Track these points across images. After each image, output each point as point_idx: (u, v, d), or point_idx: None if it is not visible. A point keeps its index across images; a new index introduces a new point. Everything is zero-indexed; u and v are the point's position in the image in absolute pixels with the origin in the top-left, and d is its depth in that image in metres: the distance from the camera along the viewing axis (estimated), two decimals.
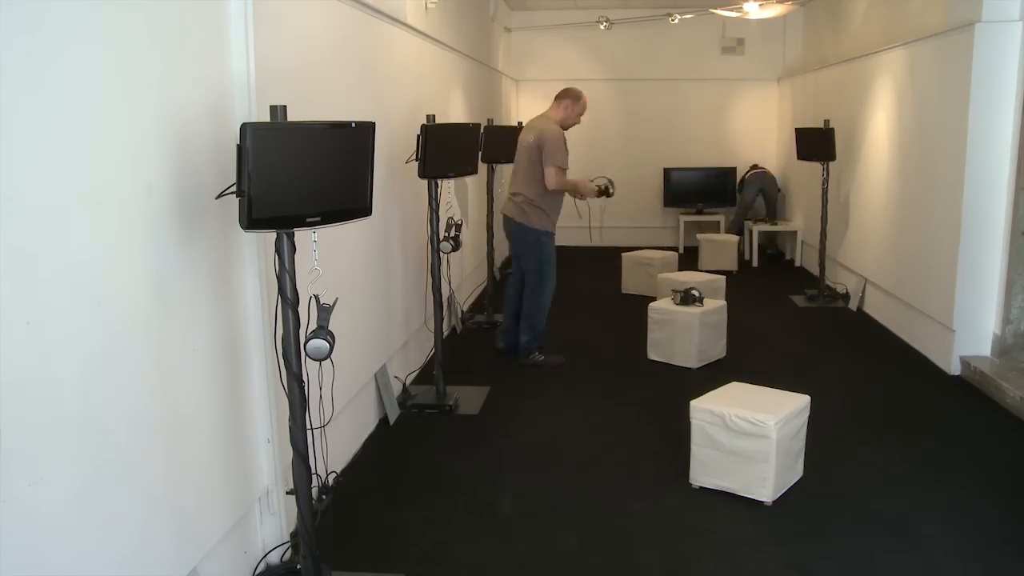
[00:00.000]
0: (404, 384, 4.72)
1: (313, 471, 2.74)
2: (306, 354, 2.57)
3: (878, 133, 6.46)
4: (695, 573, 2.97)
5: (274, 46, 2.98)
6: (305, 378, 2.62)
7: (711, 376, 4.71)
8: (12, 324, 1.71)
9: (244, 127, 2.22)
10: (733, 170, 10.07)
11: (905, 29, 5.92)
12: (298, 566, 2.78)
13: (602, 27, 9.45)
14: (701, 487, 3.55)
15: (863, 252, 6.86)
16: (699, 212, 9.94)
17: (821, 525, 3.27)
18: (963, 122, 4.86)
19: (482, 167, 6.47)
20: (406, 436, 4.22)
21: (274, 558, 2.99)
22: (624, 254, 7.74)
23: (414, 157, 4.15)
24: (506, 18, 9.58)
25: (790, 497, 3.47)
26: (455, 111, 6.43)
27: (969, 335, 4.99)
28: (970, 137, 4.83)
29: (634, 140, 10.25)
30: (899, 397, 4.76)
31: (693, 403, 3.56)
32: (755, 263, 9.04)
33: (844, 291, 7.18)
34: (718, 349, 5.45)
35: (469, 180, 6.72)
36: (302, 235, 2.60)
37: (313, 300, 2.60)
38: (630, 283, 7.56)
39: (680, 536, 3.21)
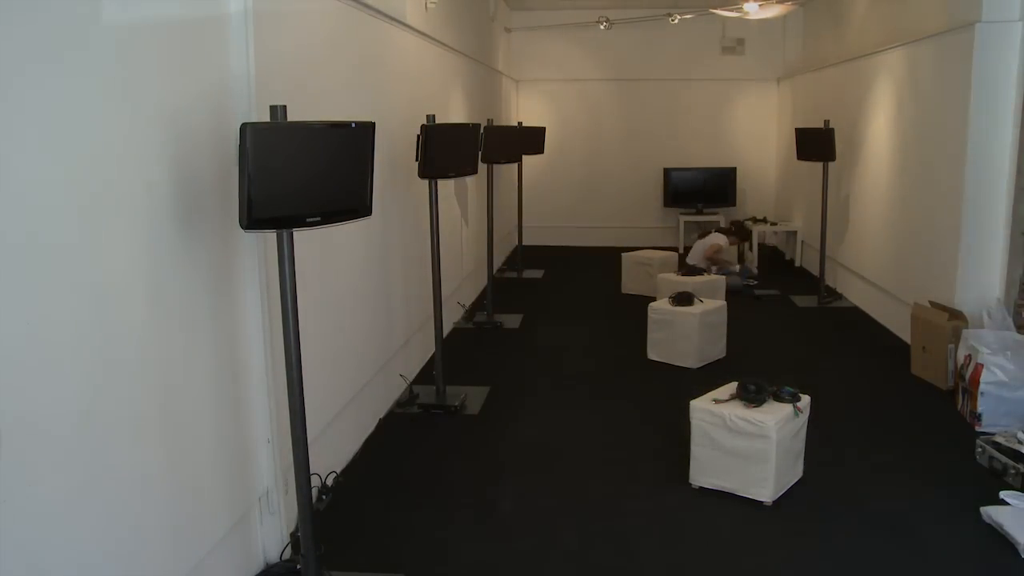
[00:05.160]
0: (409, 385, 4.72)
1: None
2: None
3: (878, 133, 6.46)
4: (695, 573, 2.97)
5: (274, 46, 2.98)
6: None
7: (711, 376, 4.70)
8: (12, 324, 1.71)
9: (244, 127, 2.22)
10: (733, 170, 10.08)
11: (905, 29, 5.91)
12: (298, 566, 2.78)
13: (602, 27, 9.46)
14: (701, 487, 3.55)
15: (863, 252, 6.86)
16: (699, 212, 9.94)
17: (821, 525, 3.27)
18: (963, 122, 4.86)
19: (482, 167, 6.47)
20: (406, 436, 4.21)
21: (274, 558, 2.99)
22: (624, 254, 7.74)
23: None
24: (506, 18, 9.58)
25: (790, 497, 3.47)
26: (455, 111, 6.43)
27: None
28: (970, 137, 4.83)
29: (634, 140, 10.25)
30: (899, 397, 4.76)
31: (693, 403, 3.56)
32: (755, 263, 9.03)
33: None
34: (718, 349, 5.44)
35: (469, 180, 6.72)
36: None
37: None
38: (630, 283, 7.56)
39: (680, 536, 3.21)
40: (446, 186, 5.71)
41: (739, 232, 8.12)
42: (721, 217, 9.86)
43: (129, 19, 2.16)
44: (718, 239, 7.81)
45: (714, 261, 7.58)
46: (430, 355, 5.25)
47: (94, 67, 2.01)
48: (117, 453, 2.09)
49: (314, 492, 2.93)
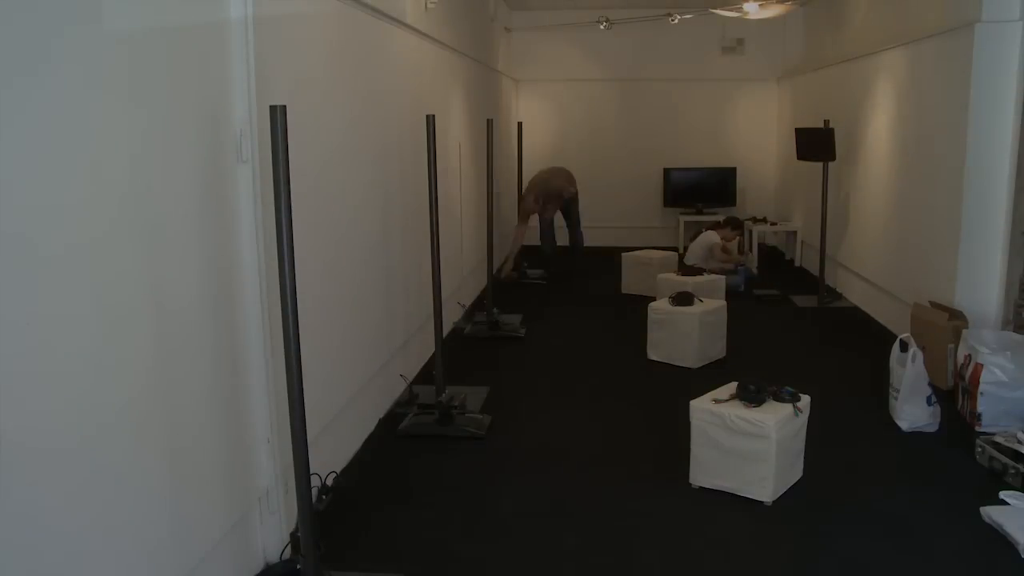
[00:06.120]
0: (409, 385, 4.71)
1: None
2: None
3: (878, 133, 6.46)
4: (695, 573, 2.97)
5: (274, 46, 2.98)
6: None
7: (711, 376, 4.70)
8: (12, 323, 1.71)
9: None
10: (733, 170, 10.08)
11: (905, 29, 5.91)
12: (298, 566, 2.78)
13: (602, 27, 9.45)
14: (701, 487, 3.55)
15: (863, 252, 6.86)
16: (699, 212, 9.94)
17: (821, 525, 3.27)
18: (963, 122, 4.86)
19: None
20: (406, 436, 4.21)
21: (274, 558, 2.99)
22: (624, 254, 7.75)
23: None
24: (506, 18, 9.58)
25: (790, 497, 3.47)
26: (455, 111, 6.43)
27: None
28: (970, 137, 4.83)
29: (634, 140, 10.25)
30: None
31: (693, 403, 3.56)
32: (755, 264, 9.03)
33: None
34: (718, 349, 5.44)
35: (468, 180, 6.73)
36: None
37: None
38: (630, 283, 7.56)
39: (680, 536, 3.21)
40: (446, 186, 5.70)
41: (733, 224, 8.21)
42: (721, 217, 9.85)
43: (131, 26, 2.16)
44: (711, 237, 7.88)
45: (722, 249, 7.86)
46: (430, 355, 5.25)
47: (96, 72, 2.01)
48: (116, 453, 2.09)
49: (314, 492, 2.92)
